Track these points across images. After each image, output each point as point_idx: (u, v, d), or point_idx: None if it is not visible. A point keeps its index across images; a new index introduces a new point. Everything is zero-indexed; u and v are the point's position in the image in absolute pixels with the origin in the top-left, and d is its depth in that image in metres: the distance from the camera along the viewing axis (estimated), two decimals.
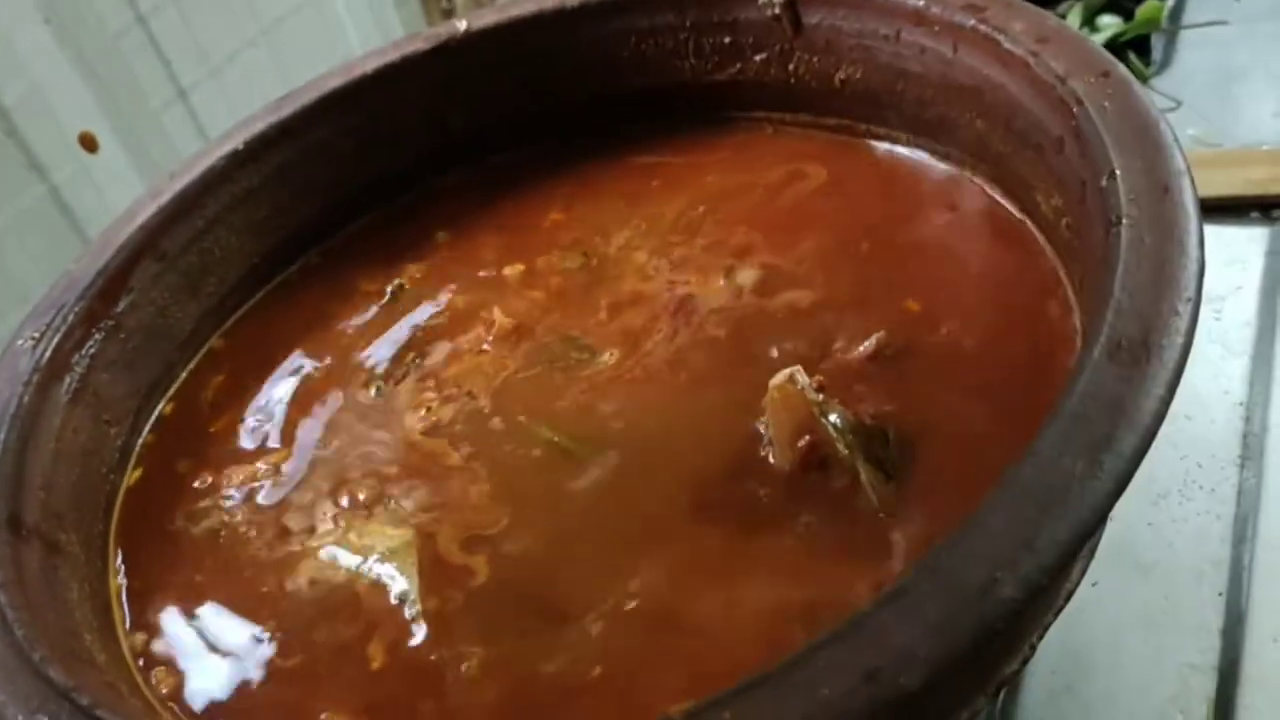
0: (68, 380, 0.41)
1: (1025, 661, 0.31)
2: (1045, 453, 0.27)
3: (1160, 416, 0.27)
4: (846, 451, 0.36)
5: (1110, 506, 0.26)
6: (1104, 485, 0.26)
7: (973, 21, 0.41)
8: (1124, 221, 0.32)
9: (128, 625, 0.38)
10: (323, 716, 0.33)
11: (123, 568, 0.40)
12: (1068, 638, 0.40)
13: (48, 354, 0.41)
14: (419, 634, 0.35)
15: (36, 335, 0.41)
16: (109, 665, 0.35)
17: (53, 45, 0.53)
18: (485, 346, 0.44)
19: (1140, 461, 0.27)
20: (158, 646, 0.37)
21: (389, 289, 0.49)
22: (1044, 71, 0.38)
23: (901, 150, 0.47)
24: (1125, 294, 0.30)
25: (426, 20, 0.73)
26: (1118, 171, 0.33)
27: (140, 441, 0.44)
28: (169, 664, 0.36)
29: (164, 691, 0.35)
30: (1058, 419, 0.27)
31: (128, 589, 0.39)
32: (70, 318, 0.42)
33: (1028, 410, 0.36)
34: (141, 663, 0.36)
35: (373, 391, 0.44)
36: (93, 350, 0.42)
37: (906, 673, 0.24)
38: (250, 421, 0.44)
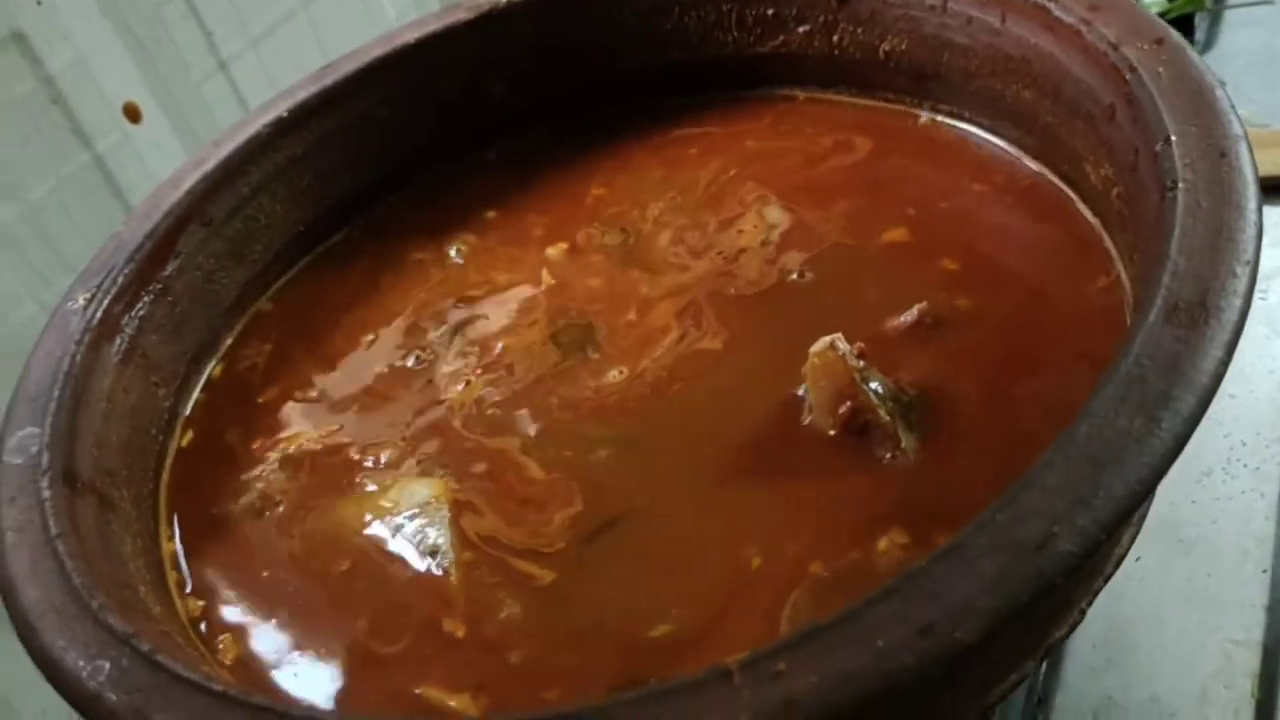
0: (118, 341, 0.41)
1: (1074, 627, 0.31)
2: (1101, 412, 0.27)
3: (1218, 377, 0.27)
4: (888, 418, 0.36)
5: (1168, 465, 0.26)
6: (1162, 443, 0.26)
7: None
8: (1180, 186, 0.32)
9: (187, 589, 0.38)
10: (418, 691, 0.33)
11: (177, 531, 0.40)
12: (1110, 612, 0.40)
13: (98, 315, 0.41)
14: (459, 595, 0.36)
15: (87, 296, 0.42)
16: (164, 618, 0.35)
17: (97, 13, 0.54)
18: (528, 323, 0.45)
19: (1198, 422, 0.27)
20: (216, 612, 0.37)
21: (440, 259, 0.49)
22: (1096, 39, 0.38)
23: (946, 121, 0.47)
24: (1182, 256, 0.30)
25: None
26: (1173, 137, 0.33)
27: (189, 405, 0.44)
28: (232, 630, 0.36)
29: (228, 661, 0.35)
30: (1114, 379, 0.27)
31: (184, 553, 0.39)
32: (120, 280, 0.42)
33: (1069, 378, 0.36)
34: (204, 628, 0.37)
35: (411, 361, 0.44)
36: (142, 312, 0.43)
37: (962, 626, 0.24)
38: (298, 391, 0.45)
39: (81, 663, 0.30)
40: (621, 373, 0.41)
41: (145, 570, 0.37)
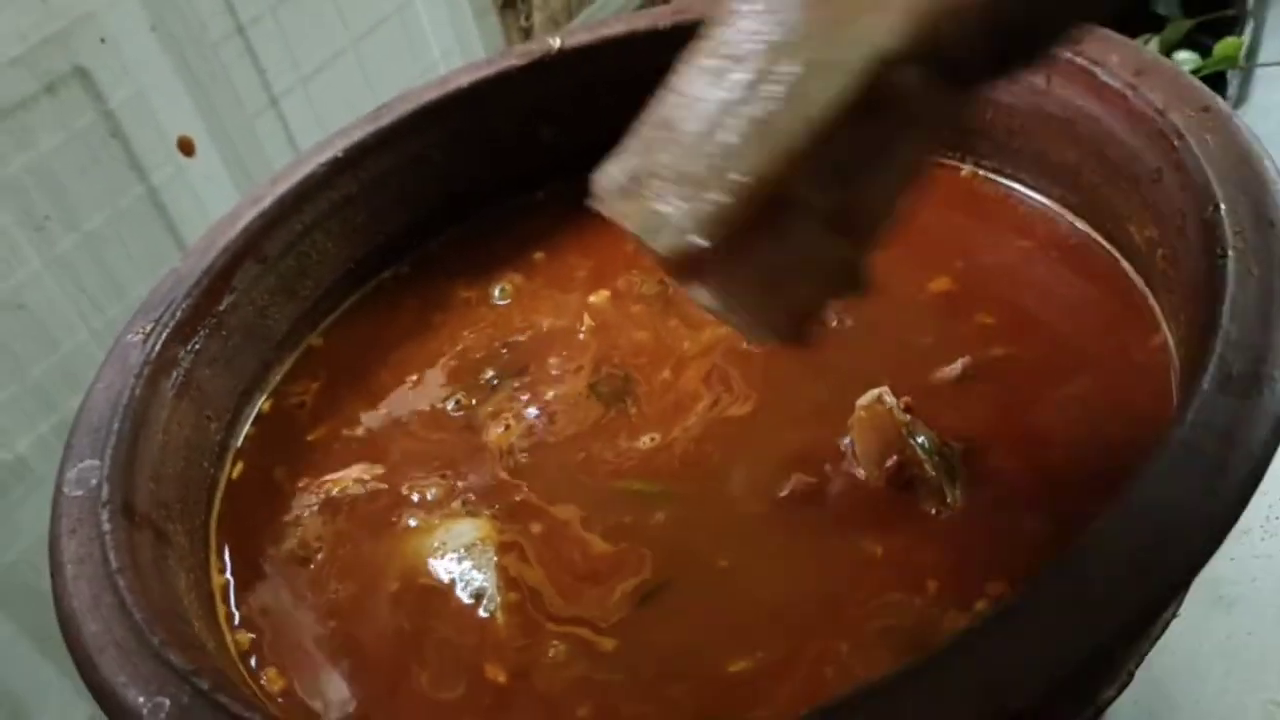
0: (174, 375, 0.42)
1: (1123, 688, 0.31)
2: (1158, 479, 0.27)
3: (1272, 447, 0.28)
4: (934, 472, 0.36)
5: (1225, 534, 0.26)
6: (1219, 512, 0.27)
7: (1068, 53, 0.42)
8: (1230, 254, 0.32)
9: (235, 622, 0.39)
10: None
11: (228, 564, 0.41)
12: (1152, 670, 0.41)
13: (157, 348, 0.42)
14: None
15: (146, 330, 0.42)
16: (216, 652, 0.36)
17: (158, 51, 0.55)
18: (569, 370, 0.45)
19: (1254, 491, 0.27)
20: (264, 647, 0.38)
21: (486, 298, 0.50)
22: (1142, 104, 0.39)
23: (989, 176, 0.47)
24: (1234, 325, 0.30)
25: (505, 36, 0.74)
26: (1222, 205, 0.34)
27: (240, 438, 0.45)
28: (279, 665, 0.37)
29: (275, 690, 0.36)
30: (1169, 446, 0.28)
31: (234, 586, 0.40)
32: (178, 314, 0.43)
33: (1110, 435, 0.36)
34: (253, 662, 0.37)
35: (453, 404, 0.45)
36: (197, 346, 0.44)
37: (1021, 688, 0.25)
38: (344, 430, 0.45)
39: (142, 699, 0.31)
40: (654, 439, 0.41)
41: (198, 604, 0.38)
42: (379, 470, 0.43)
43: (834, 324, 0.43)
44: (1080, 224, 0.44)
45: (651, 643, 0.35)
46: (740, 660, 0.33)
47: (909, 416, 0.37)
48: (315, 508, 0.42)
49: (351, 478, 0.43)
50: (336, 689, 0.36)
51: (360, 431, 0.45)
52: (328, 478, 0.43)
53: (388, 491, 0.42)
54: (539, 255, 0.51)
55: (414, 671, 0.36)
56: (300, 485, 0.43)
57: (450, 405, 0.45)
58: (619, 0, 0.83)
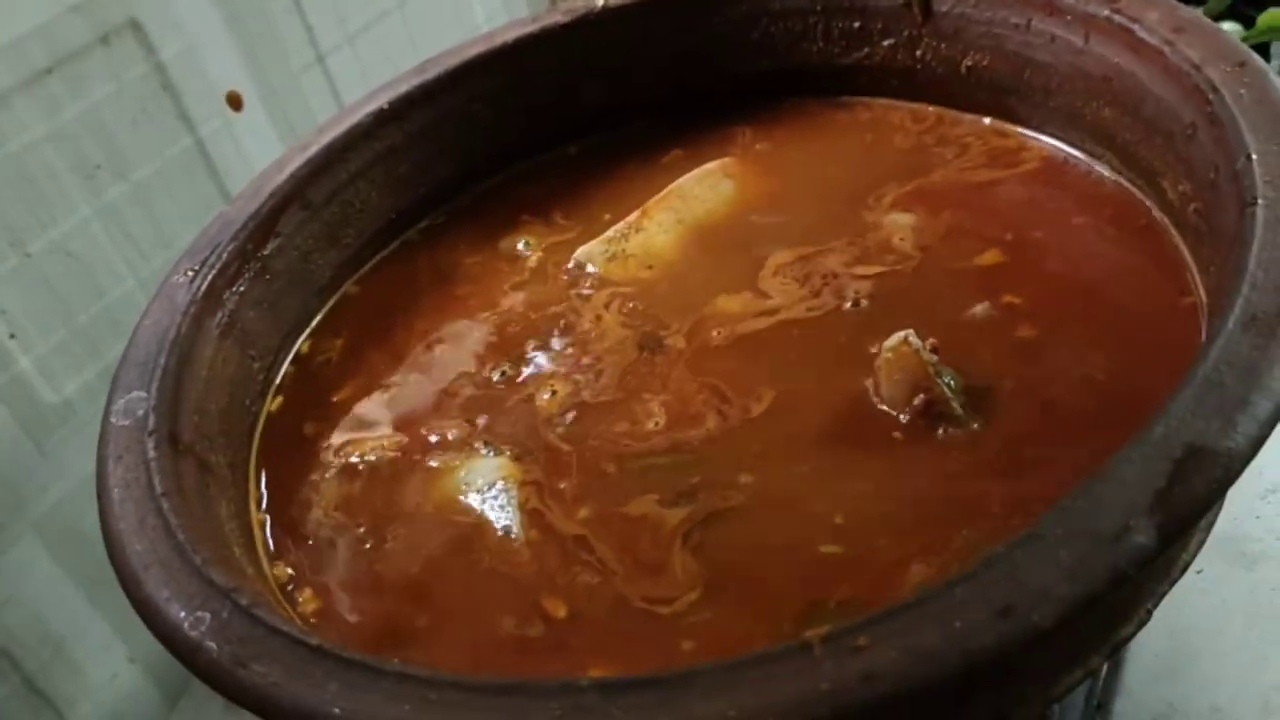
0: (219, 314, 0.43)
1: (1140, 626, 0.32)
2: (1179, 413, 0.28)
3: None
4: (961, 411, 0.37)
5: (1242, 467, 0.27)
6: (1238, 446, 0.27)
7: (1107, 12, 0.42)
8: (1260, 202, 0.32)
9: (273, 554, 0.40)
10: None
11: (265, 497, 0.42)
12: (1173, 623, 0.41)
13: (203, 288, 0.43)
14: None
15: (193, 270, 0.44)
16: (256, 578, 0.37)
17: (210, 5, 0.56)
18: (602, 319, 0.46)
19: (1273, 428, 0.27)
20: (301, 580, 0.39)
21: (513, 249, 0.51)
22: (1179, 60, 0.39)
23: (1024, 134, 0.47)
24: (1261, 270, 0.30)
25: None
26: (1254, 155, 0.34)
27: (279, 377, 0.46)
28: (318, 596, 0.38)
29: (310, 611, 0.37)
30: (1191, 382, 0.28)
31: (270, 522, 0.41)
32: (224, 256, 0.44)
33: (1140, 383, 0.37)
34: (291, 592, 0.38)
35: (482, 349, 0.46)
36: (242, 288, 0.45)
37: (1039, 610, 0.25)
38: (374, 379, 0.46)
39: (183, 613, 0.32)
40: (694, 377, 0.42)
41: (238, 533, 0.39)
42: (402, 438, 0.43)
43: (856, 276, 0.44)
44: (1116, 179, 0.44)
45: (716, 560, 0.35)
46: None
47: (935, 357, 0.38)
48: (339, 467, 0.43)
49: (375, 439, 0.44)
50: (375, 618, 0.37)
51: (390, 380, 0.46)
52: (353, 437, 0.44)
53: (414, 444, 0.43)
54: (565, 207, 0.52)
55: (458, 605, 0.37)
56: (326, 445, 0.44)
57: (480, 350, 0.46)
58: None
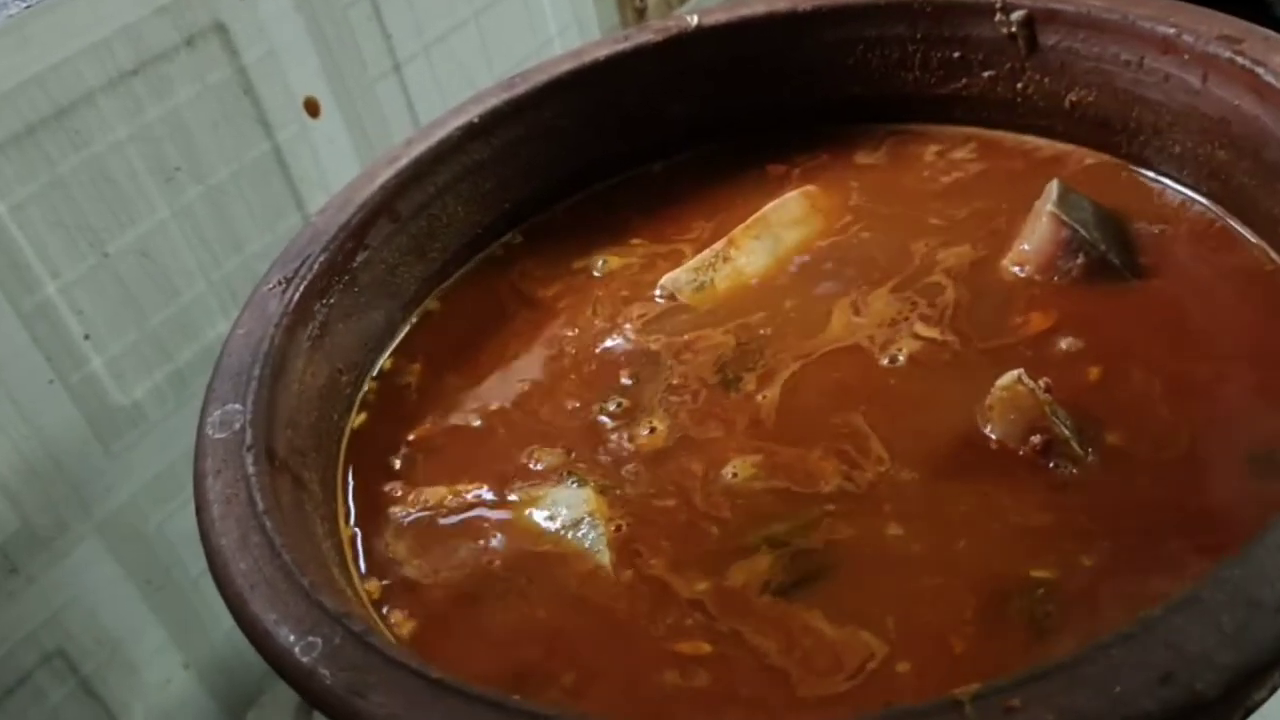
0: (310, 326, 0.43)
1: (1274, 690, 0.31)
2: None
3: None
4: (1081, 451, 0.36)
5: None
6: None
7: (1229, 53, 0.41)
8: None
9: (362, 570, 0.39)
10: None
11: (352, 511, 0.41)
12: None
13: (295, 299, 0.42)
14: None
15: (284, 281, 0.43)
16: (355, 601, 0.36)
17: (292, 10, 0.55)
18: (689, 353, 0.45)
19: None
20: (393, 598, 0.38)
21: (590, 269, 0.50)
22: None
23: (1133, 170, 0.47)
24: None
25: (619, 16, 0.74)
26: None
27: (363, 390, 0.46)
28: (413, 616, 0.37)
29: (404, 633, 0.36)
30: None
31: (360, 536, 0.40)
32: (315, 267, 0.43)
33: (1255, 425, 0.36)
34: (385, 610, 0.38)
35: (560, 369, 0.45)
36: (332, 300, 0.44)
37: (1203, 679, 0.25)
38: (453, 407, 0.45)
39: (293, 638, 0.31)
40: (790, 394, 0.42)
41: (332, 552, 0.38)
42: (486, 467, 0.42)
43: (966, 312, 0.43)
44: (1231, 220, 0.43)
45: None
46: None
47: (1049, 396, 0.37)
48: (421, 492, 0.42)
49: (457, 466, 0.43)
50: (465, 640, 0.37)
51: (469, 398, 0.45)
52: (435, 463, 0.43)
53: (498, 472, 0.42)
54: (646, 227, 0.51)
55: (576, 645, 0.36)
56: (410, 464, 0.43)
57: (557, 371, 0.45)
58: None
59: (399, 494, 0.42)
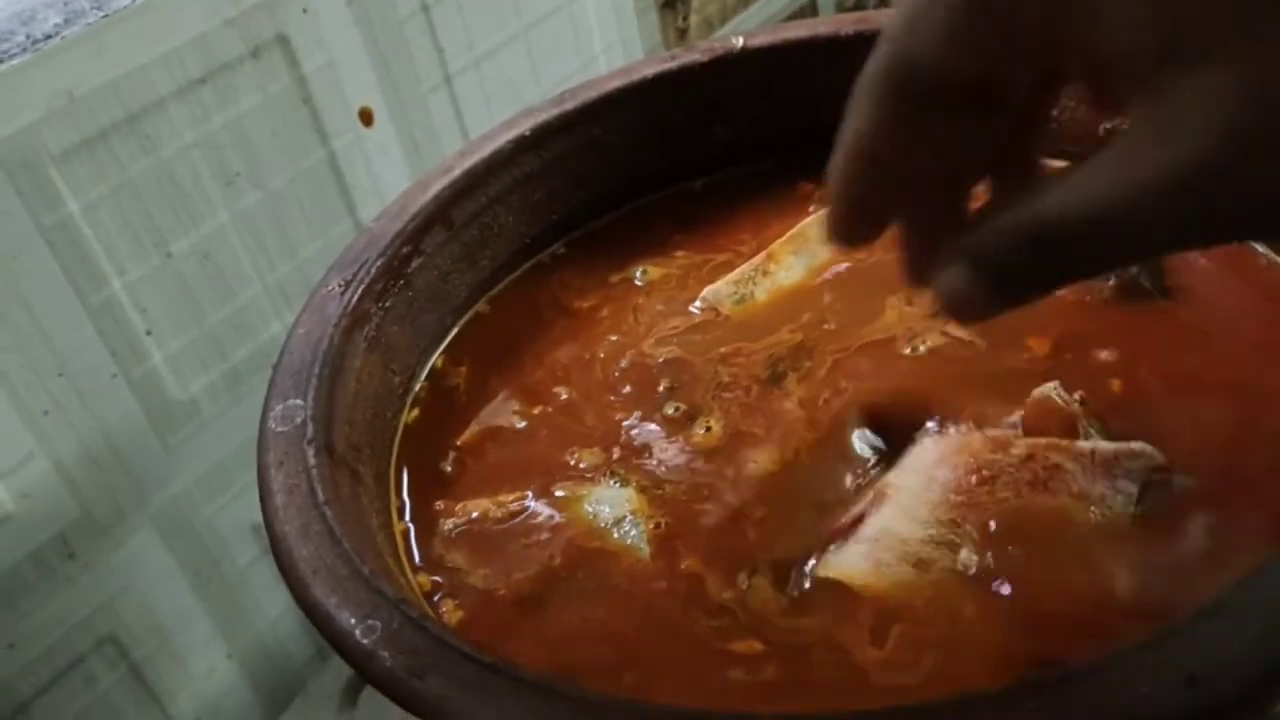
0: (367, 328, 0.45)
1: None
2: None
3: None
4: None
5: None
6: None
7: None
8: None
9: (416, 563, 0.41)
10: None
11: (407, 507, 0.43)
12: None
13: (353, 301, 0.44)
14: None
15: (343, 284, 0.45)
16: (409, 590, 0.38)
17: (351, 23, 0.58)
18: (732, 365, 0.46)
19: None
20: (445, 592, 0.40)
21: (630, 280, 0.52)
22: None
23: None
24: None
25: (662, 36, 0.76)
26: None
27: (415, 392, 0.47)
28: (464, 609, 0.39)
29: (453, 623, 0.38)
30: None
31: (413, 532, 0.42)
32: (373, 271, 0.45)
33: None
34: (436, 598, 0.39)
35: (603, 380, 0.47)
36: (388, 303, 0.46)
37: (1226, 681, 0.26)
38: (502, 410, 0.47)
39: (354, 621, 0.33)
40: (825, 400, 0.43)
41: (386, 544, 0.40)
42: (533, 467, 0.44)
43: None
44: (1254, 243, 0.44)
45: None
46: None
47: (1082, 408, 0.39)
48: (471, 496, 0.43)
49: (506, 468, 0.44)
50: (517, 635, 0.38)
51: (514, 418, 0.47)
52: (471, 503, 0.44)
53: (544, 473, 0.43)
54: (684, 242, 0.53)
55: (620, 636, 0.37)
56: (459, 462, 0.45)
57: (599, 381, 0.47)
58: (774, 8, 0.84)
59: (442, 508, 0.43)
